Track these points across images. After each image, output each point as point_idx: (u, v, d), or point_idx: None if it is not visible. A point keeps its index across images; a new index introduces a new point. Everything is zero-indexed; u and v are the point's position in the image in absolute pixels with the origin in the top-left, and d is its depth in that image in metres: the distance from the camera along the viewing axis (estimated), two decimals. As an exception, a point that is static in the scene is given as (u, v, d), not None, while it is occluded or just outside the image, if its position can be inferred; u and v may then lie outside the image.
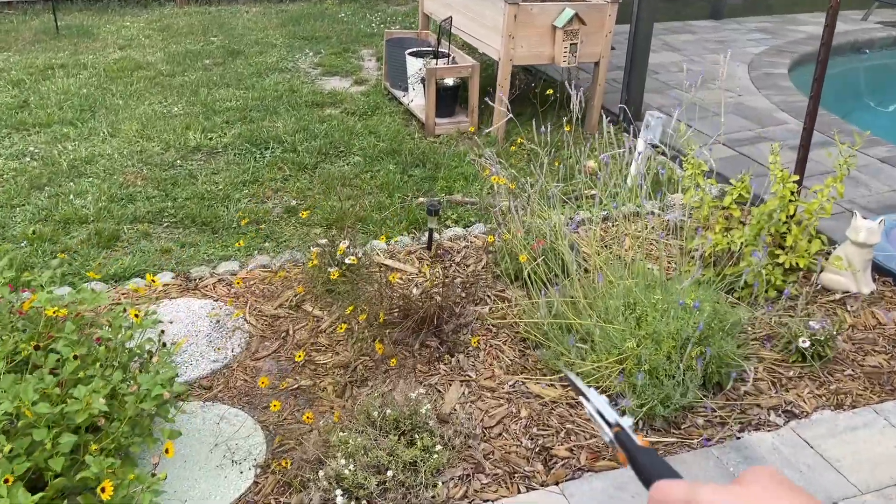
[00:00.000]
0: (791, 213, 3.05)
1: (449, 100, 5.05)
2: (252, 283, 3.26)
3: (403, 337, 2.83)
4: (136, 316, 2.26)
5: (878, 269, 3.28)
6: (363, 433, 2.28)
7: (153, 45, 6.94)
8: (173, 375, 2.17)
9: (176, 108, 5.34)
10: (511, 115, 4.31)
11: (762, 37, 7.45)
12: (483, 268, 3.37)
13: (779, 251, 3.11)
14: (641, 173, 4.17)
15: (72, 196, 4.05)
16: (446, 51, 5.21)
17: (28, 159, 4.51)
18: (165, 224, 3.83)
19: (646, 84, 5.79)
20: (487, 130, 4.90)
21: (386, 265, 3.38)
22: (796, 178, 3.10)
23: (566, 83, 3.85)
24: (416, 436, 2.28)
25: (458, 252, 3.51)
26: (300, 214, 3.88)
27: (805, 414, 2.53)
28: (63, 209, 3.89)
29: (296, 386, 2.64)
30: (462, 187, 4.21)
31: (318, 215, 3.85)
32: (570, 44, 4.62)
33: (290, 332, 2.94)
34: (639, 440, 0.65)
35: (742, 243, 3.11)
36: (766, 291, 3.13)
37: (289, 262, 3.39)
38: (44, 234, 3.66)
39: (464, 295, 3.07)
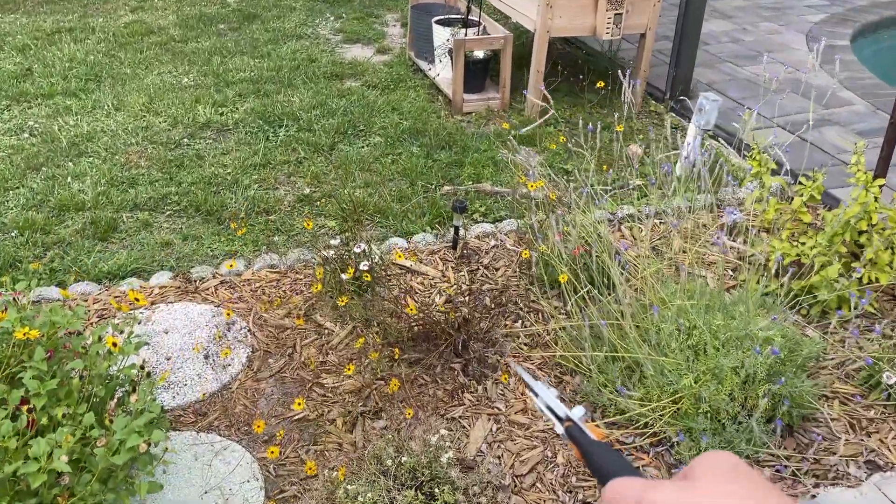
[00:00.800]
0: (872, 221, 2.64)
1: (478, 74, 4.63)
2: (258, 285, 2.94)
3: (424, 357, 2.50)
4: (115, 345, 1.95)
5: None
6: (374, 484, 1.97)
7: (166, 6, 6.56)
8: (153, 418, 1.86)
9: (186, 79, 4.99)
10: (545, 95, 3.90)
11: (821, 2, 6.85)
12: (514, 272, 3.01)
13: (856, 263, 2.71)
14: (692, 162, 3.75)
15: (69, 178, 3.74)
16: (476, 19, 4.77)
17: (27, 135, 4.20)
18: (168, 212, 3.51)
19: (697, 57, 5.31)
20: (528, 114, 4.48)
21: (406, 267, 3.03)
22: (882, 181, 2.67)
23: (619, 72, 3.42)
24: (437, 489, 1.96)
25: (487, 253, 3.15)
26: (316, 204, 3.54)
27: (890, 466, 2.17)
28: (60, 193, 3.59)
29: (300, 416, 2.33)
30: (492, 175, 3.83)
31: (333, 206, 3.50)
32: (615, 13, 4.16)
33: (298, 347, 2.62)
34: (592, 434, 0.62)
35: (814, 254, 2.72)
36: (839, 308, 2.74)
37: (299, 263, 3.06)
38: (36, 222, 3.36)
39: (493, 307, 2.72)
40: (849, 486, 2.10)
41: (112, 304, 2.79)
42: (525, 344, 2.63)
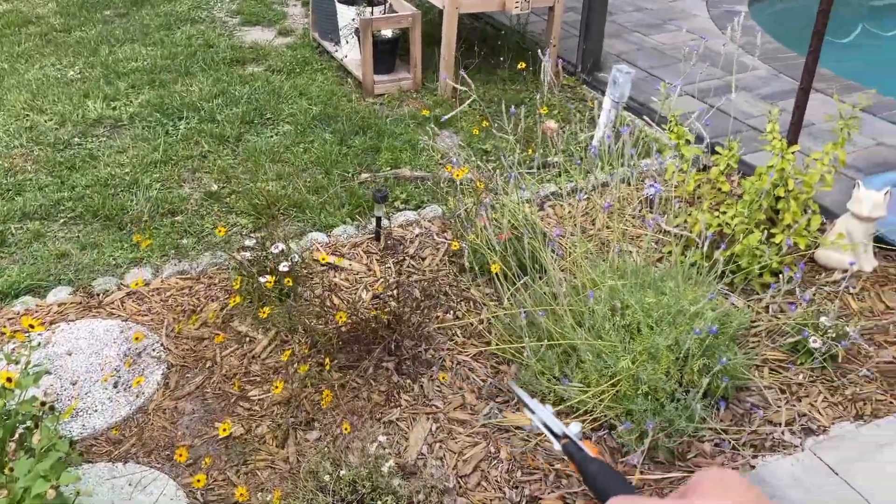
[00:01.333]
0: (789, 187, 2.68)
1: (388, 54, 4.48)
2: (169, 294, 2.74)
3: (355, 359, 2.38)
4: (10, 380, 1.75)
5: (877, 241, 2.97)
6: (312, 503, 1.85)
7: (43, -7, 6.06)
8: (60, 457, 1.68)
9: (72, 72, 4.61)
10: (464, 76, 3.80)
11: (716, -31, 6.99)
12: (443, 261, 2.92)
13: (774, 229, 2.75)
14: (609, 136, 3.74)
15: (-56, 189, 3.39)
16: (382, -4, 4.60)
17: None
18: (61, 220, 3.23)
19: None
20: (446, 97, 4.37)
21: (329, 263, 2.89)
22: (796, 147, 2.71)
23: (539, 51, 3.35)
24: (379, 501, 1.86)
25: (412, 242, 3.04)
26: (226, 201, 3.33)
27: (823, 429, 2.21)
28: (-66, 207, 3.25)
29: (226, 434, 2.17)
30: (410, 159, 3.71)
31: (244, 202, 3.30)
32: (523, -13, 4.09)
33: (218, 358, 2.45)
34: (589, 450, 0.64)
35: (736, 224, 2.74)
36: (761, 276, 2.78)
37: (213, 267, 2.87)
38: None
39: (423, 299, 2.62)
40: (786, 453, 2.13)
41: (4, 332, 2.53)
42: (459, 336, 2.55)
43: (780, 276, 2.62)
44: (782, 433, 2.19)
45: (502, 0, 4.16)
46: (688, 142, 2.98)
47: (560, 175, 3.62)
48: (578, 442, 0.66)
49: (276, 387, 2.13)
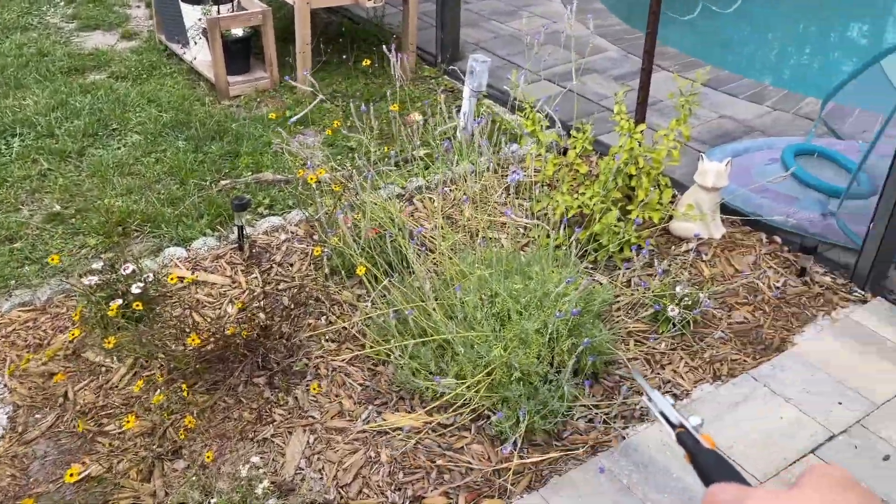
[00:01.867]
0: (640, 165, 2.79)
1: (241, 53, 4.31)
2: (11, 329, 2.51)
3: (222, 378, 2.27)
4: None
5: (724, 209, 3.15)
6: (184, 537, 1.75)
7: None
8: None
9: None
10: (311, 81, 3.71)
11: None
12: (312, 265, 2.84)
13: (630, 206, 2.86)
14: (471, 125, 3.78)
15: None
16: (230, -6, 4.41)
17: None
18: None
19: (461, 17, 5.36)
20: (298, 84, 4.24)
21: (189, 279, 2.74)
22: (643, 126, 2.83)
23: (386, 49, 3.30)
24: (256, 525, 1.79)
25: (279, 248, 2.94)
26: (71, 222, 3.09)
27: (686, 393, 2.33)
28: None
29: (85, 474, 2.02)
30: (272, 162, 3.59)
31: (91, 221, 3.08)
32: (374, -21, 4.04)
33: (70, 394, 2.27)
34: (705, 441, 0.62)
35: (594, 204, 2.83)
36: (622, 251, 2.89)
37: (60, 295, 2.65)
38: None
39: (292, 307, 2.54)
40: (654, 421, 2.22)
41: None
42: (332, 341, 2.49)
43: (641, 249, 2.74)
44: (649, 400, 2.28)
45: (354, -6, 4.09)
46: (548, 126, 3.05)
47: (427, 168, 3.62)
48: (695, 433, 0.65)
49: (128, 421, 1.99)
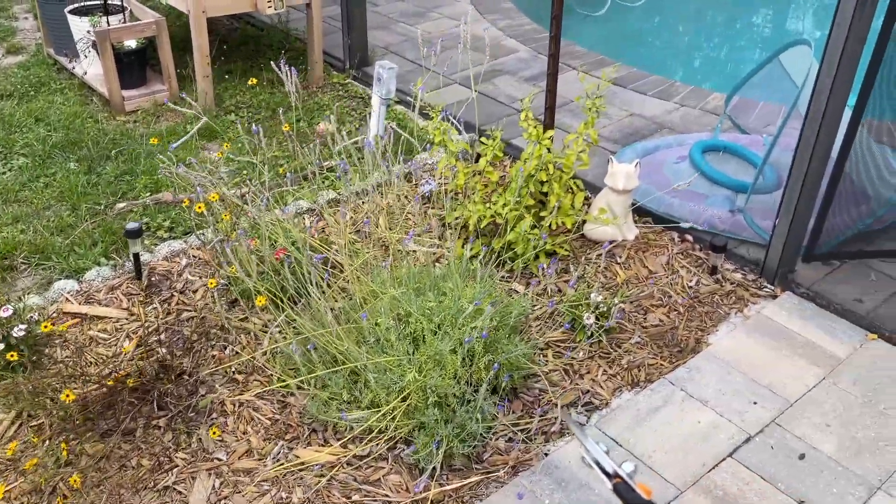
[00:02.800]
0: (550, 171, 2.76)
1: (136, 66, 4.08)
2: None
3: (118, 423, 2.11)
4: None
5: (637, 210, 3.16)
6: None
7: None
8: None
9: None
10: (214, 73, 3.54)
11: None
12: (214, 294, 2.69)
13: (544, 212, 2.83)
14: (382, 134, 3.68)
15: None
16: (120, 3, 4.17)
17: None
18: None
19: (368, 17, 5.24)
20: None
21: (81, 314, 2.55)
22: (551, 132, 2.79)
23: (274, 64, 3.17)
24: (155, 588, 1.65)
25: (180, 275, 2.78)
26: (-55, 258, 2.84)
27: (605, 403, 2.30)
28: None
29: (-37, 545, 1.83)
30: (171, 181, 3.40)
31: (-28, 256, 2.84)
32: (273, -15, 3.88)
33: (-53, 454, 2.07)
34: (641, 491, 0.63)
35: (506, 212, 2.78)
36: (538, 258, 2.85)
37: (-68, 341, 2.42)
38: None
39: (195, 338, 2.39)
40: (573, 436, 2.18)
41: None
42: (239, 373, 2.35)
43: (555, 256, 2.70)
44: (569, 415, 2.24)
45: (253, 1, 3.92)
46: (454, 133, 2.98)
47: (336, 179, 3.50)
48: (630, 482, 0.66)
49: (25, 451, 1.82)
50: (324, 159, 3.62)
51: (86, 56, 4.12)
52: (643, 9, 6.66)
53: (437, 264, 2.87)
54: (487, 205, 2.80)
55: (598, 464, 0.69)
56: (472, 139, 3.61)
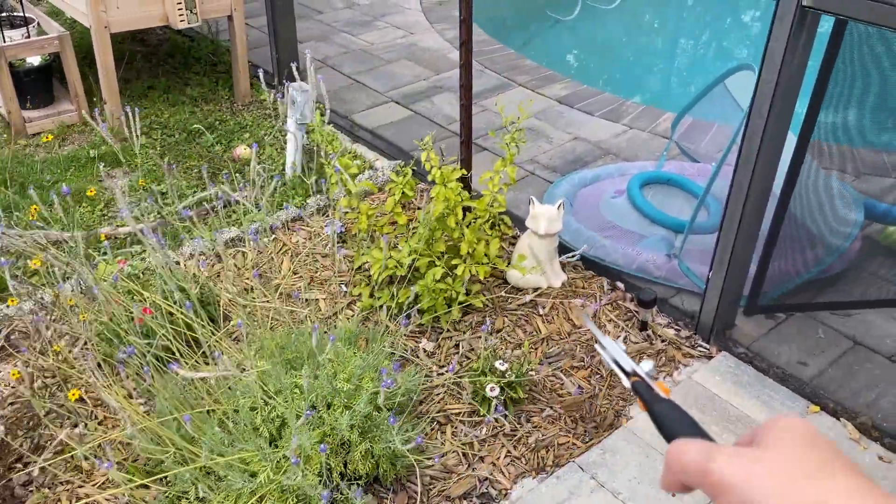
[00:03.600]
0: (458, 217, 2.46)
1: (40, 84, 3.77)
2: None
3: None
4: None
5: (564, 250, 2.87)
6: None
7: None
8: None
9: None
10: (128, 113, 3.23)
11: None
12: (83, 350, 2.38)
13: (456, 260, 2.53)
14: (299, 162, 3.38)
15: None
16: (24, 16, 3.85)
17: None
18: None
19: (309, 27, 4.94)
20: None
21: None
22: (458, 173, 2.49)
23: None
24: None
25: (48, 327, 2.47)
26: None
27: (504, 493, 2.01)
28: None
29: None
30: (90, 215, 3.08)
31: None
32: (185, -2, 3.57)
33: None
34: (659, 389, 0.61)
35: (414, 259, 2.48)
36: (450, 310, 2.56)
37: None
38: None
39: (44, 413, 2.09)
40: (464, 534, 1.90)
41: None
42: (86, 457, 2.05)
43: (472, 307, 2.41)
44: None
45: (163, 14, 3.60)
46: (392, 157, 2.68)
47: (245, 213, 3.20)
48: (649, 381, 0.60)
49: None
50: (234, 190, 3.32)
51: (-14, 73, 3.79)
52: (605, 19, 6.36)
53: (338, 316, 2.58)
54: (390, 253, 2.50)
55: (615, 362, 0.66)
56: (398, 168, 3.32)
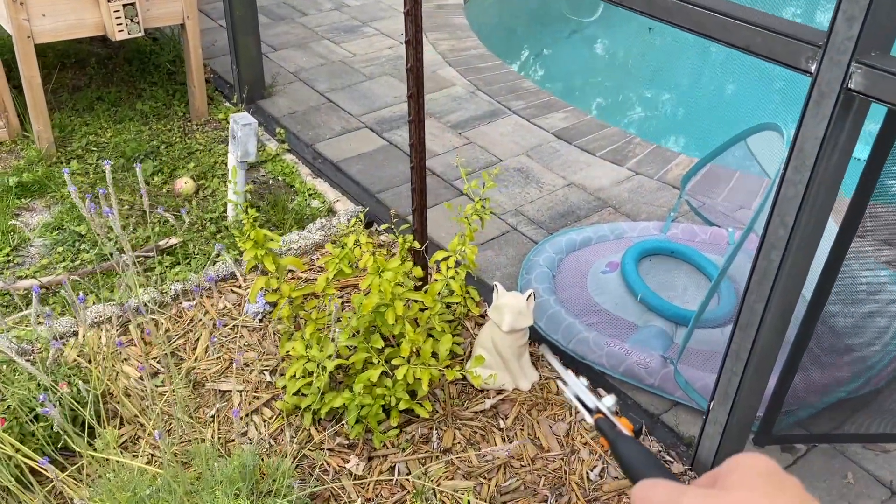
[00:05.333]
0: (399, 311, 1.96)
1: (-39, 96, 3.31)
2: None
3: None
4: None
5: (538, 338, 2.37)
6: None
7: None
8: None
9: None
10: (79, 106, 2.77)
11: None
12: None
13: (399, 360, 2.04)
14: (241, 202, 2.89)
15: None
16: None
17: None
18: None
19: (288, 31, 4.45)
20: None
21: None
22: (402, 266, 1.98)
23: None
24: None
25: None
26: None
27: None
28: None
29: None
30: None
31: None
32: (124, 4, 3.08)
33: None
34: (622, 426, 0.61)
35: (346, 358, 1.99)
36: (388, 419, 2.07)
37: None
38: None
39: None
40: None
41: None
42: None
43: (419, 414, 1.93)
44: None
45: (99, 23, 3.12)
46: (269, 250, 2.20)
47: (174, 265, 2.73)
48: (612, 417, 0.62)
49: None
50: (168, 233, 2.85)
51: None
52: (620, 38, 5.77)
53: (252, 419, 2.10)
54: (307, 355, 2.01)
55: (578, 398, 0.63)
56: (355, 214, 2.83)
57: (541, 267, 2.55)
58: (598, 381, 2.24)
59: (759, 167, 2.43)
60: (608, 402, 0.64)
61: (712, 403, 1.87)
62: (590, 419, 0.65)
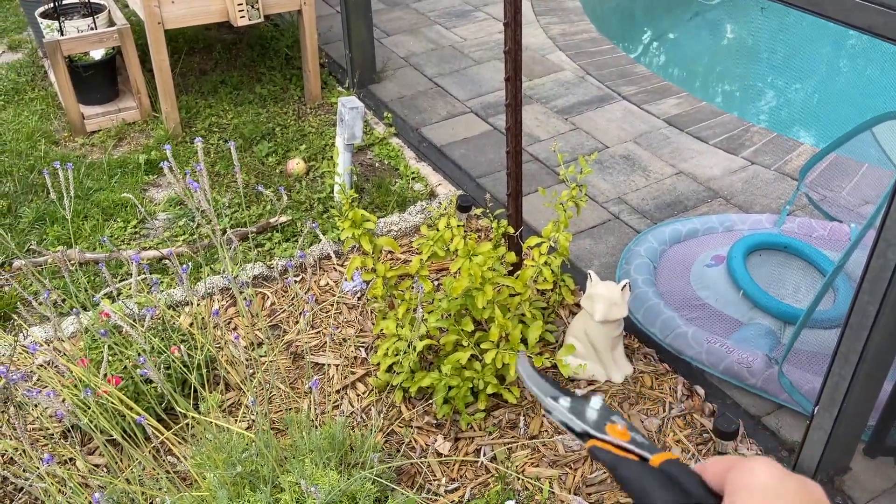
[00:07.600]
0: (488, 296, 1.96)
1: (101, 80, 3.59)
2: None
3: None
4: None
5: (636, 333, 2.30)
6: None
7: None
8: None
9: None
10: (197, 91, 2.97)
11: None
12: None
13: (488, 344, 2.05)
14: (348, 183, 2.98)
15: None
16: (97, 3, 3.68)
17: None
18: None
19: (401, 17, 4.51)
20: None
21: None
22: (487, 247, 1.98)
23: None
24: None
25: (41, 378, 2.24)
26: None
27: None
28: None
29: None
30: (100, 228, 2.88)
31: None
32: (246, -8, 3.23)
33: None
34: (615, 438, 0.56)
35: (436, 338, 2.02)
36: (476, 401, 2.09)
37: None
38: None
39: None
40: None
41: None
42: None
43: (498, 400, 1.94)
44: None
45: (223, 9, 3.29)
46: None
47: (281, 242, 2.86)
48: (602, 437, 0.56)
49: None
50: (276, 211, 2.99)
51: (55, 65, 3.67)
52: (744, 22, 5.44)
53: (351, 390, 2.18)
54: (398, 334, 2.05)
55: (565, 425, 0.58)
56: (463, 199, 2.84)
57: (641, 257, 2.48)
58: (696, 378, 2.15)
59: (886, 157, 2.24)
60: (596, 402, 0.60)
61: (817, 408, 1.75)
62: (581, 442, 0.60)
